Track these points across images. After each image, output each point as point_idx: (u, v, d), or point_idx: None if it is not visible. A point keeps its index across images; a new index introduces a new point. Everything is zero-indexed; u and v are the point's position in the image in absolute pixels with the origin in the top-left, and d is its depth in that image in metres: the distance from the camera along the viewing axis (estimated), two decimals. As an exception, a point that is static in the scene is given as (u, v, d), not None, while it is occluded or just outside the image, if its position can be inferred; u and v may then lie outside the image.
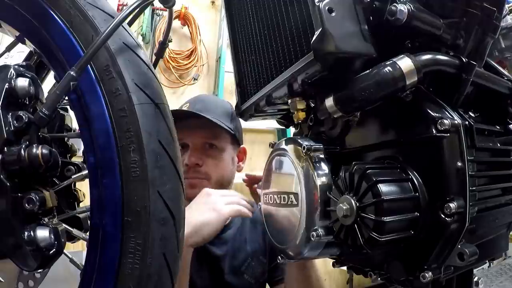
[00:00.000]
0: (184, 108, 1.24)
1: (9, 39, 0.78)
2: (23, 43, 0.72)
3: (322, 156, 0.61)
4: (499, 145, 0.62)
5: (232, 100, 0.96)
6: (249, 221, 1.32)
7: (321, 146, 0.61)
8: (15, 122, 0.57)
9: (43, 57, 0.68)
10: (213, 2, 3.43)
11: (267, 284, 1.32)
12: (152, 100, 0.61)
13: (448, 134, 0.51)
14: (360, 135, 0.62)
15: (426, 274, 0.52)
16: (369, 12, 0.57)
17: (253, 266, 1.24)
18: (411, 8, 0.54)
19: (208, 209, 0.94)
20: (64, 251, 0.60)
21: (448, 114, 0.52)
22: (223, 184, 1.22)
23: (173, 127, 0.63)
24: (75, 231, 0.67)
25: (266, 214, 0.69)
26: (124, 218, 0.56)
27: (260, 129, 3.23)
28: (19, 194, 0.55)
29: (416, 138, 0.54)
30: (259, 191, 1.07)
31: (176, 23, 3.14)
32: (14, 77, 0.61)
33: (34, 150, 0.55)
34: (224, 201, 0.97)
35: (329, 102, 0.57)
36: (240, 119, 0.91)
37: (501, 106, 0.65)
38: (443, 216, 0.50)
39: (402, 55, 0.53)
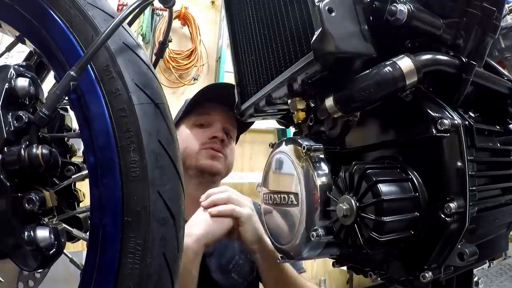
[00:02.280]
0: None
1: (9, 39, 0.78)
2: (23, 43, 0.72)
3: (322, 156, 0.61)
4: (499, 145, 0.62)
5: (232, 100, 0.96)
6: None
7: (321, 146, 0.61)
8: (15, 122, 0.57)
9: (43, 57, 0.68)
10: (213, 2, 3.42)
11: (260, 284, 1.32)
12: (152, 100, 0.61)
13: (448, 134, 0.51)
14: (360, 135, 0.62)
15: (426, 274, 0.52)
16: (369, 12, 0.56)
17: (240, 265, 1.23)
18: (411, 8, 0.54)
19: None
20: (64, 251, 0.60)
21: (448, 114, 0.52)
22: (228, 170, 1.31)
23: (173, 127, 0.63)
24: (75, 231, 0.67)
25: (266, 214, 0.69)
26: (124, 218, 0.56)
27: (260, 129, 3.23)
28: (19, 194, 0.56)
29: (416, 138, 0.54)
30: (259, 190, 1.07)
31: (176, 23, 3.14)
32: (14, 77, 0.61)
33: (34, 150, 0.55)
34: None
35: (329, 102, 0.57)
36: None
37: (501, 106, 0.65)
38: (443, 216, 0.50)
39: (402, 55, 0.53)
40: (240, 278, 1.22)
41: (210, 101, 1.26)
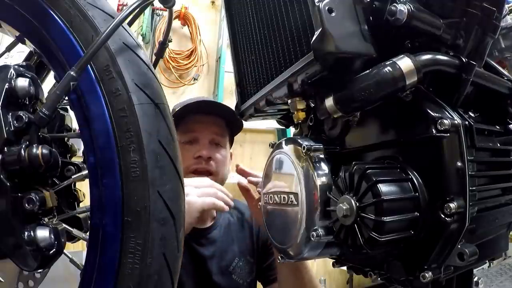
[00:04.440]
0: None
1: (9, 39, 0.78)
2: (23, 43, 0.72)
3: (322, 156, 0.61)
4: (499, 145, 0.62)
5: (232, 100, 0.96)
6: (236, 220, 1.33)
7: (321, 146, 0.61)
8: (15, 122, 0.57)
9: (43, 57, 0.68)
10: (213, 2, 3.43)
11: (258, 283, 1.33)
12: (152, 100, 0.61)
13: (448, 134, 0.51)
14: (360, 135, 0.62)
15: (426, 274, 0.52)
16: (369, 12, 0.56)
17: (240, 266, 1.25)
18: (411, 8, 0.54)
19: None
20: (64, 251, 0.60)
21: (448, 114, 0.52)
22: (223, 181, 1.27)
23: (173, 127, 0.63)
24: (75, 231, 0.67)
25: (266, 214, 0.69)
26: (124, 218, 0.56)
27: (260, 129, 3.24)
28: (19, 194, 0.55)
29: (416, 138, 0.54)
30: (259, 190, 1.08)
31: (176, 23, 3.15)
32: (14, 77, 0.61)
33: (34, 150, 0.55)
34: (197, 193, 0.92)
35: (329, 102, 0.58)
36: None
37: (501, 106, 0.65)
38: (443, 216, 0.50)
39: (402, 55, 0.53)
40: (240, 280, 1.24)
41: (195, 112, 1.24)
